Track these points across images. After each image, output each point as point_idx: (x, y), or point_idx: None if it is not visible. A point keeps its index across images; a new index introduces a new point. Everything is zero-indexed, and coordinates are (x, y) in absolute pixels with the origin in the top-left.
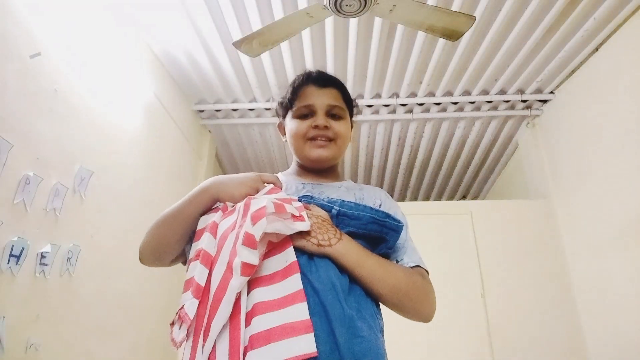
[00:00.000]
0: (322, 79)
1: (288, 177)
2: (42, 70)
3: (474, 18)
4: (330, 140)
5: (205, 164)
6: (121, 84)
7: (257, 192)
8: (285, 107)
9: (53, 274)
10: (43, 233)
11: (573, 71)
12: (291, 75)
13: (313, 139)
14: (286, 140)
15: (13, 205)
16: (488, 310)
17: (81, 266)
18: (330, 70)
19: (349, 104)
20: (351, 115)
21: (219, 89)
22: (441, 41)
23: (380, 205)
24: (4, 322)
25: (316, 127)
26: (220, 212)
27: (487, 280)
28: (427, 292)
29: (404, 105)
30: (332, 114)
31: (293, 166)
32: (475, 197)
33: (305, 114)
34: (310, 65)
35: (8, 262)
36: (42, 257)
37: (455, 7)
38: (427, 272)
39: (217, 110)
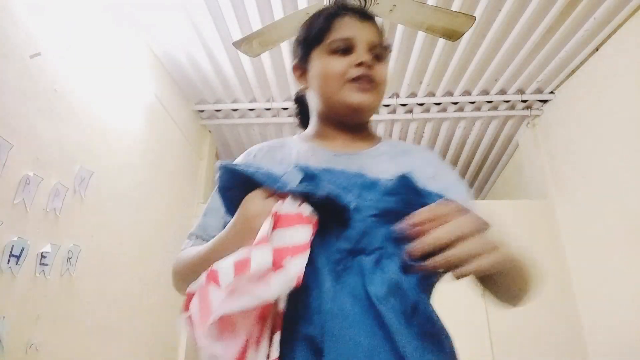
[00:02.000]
0: (362, 11)
1: (311, 143)
2: (42, 70)
3: (474, 18)
4: (375, 83)
5: (205, 164)
6: (121, 84)
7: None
8: (312, 41)
9: (53, 274)
10: (43, 233)
11: (573, 71)
12: (291, 75)
13: (355, 80)
14: (306, 87)
15: (13, 205)
16: (488, 310)
17: (81, 266)
18: None
19: (387, 44)
20: None
21: (219, 89)
22: (441, 41)
23: (434, 177)
24: (4, 322)
25: (360, 64)
26: None
27: None
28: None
29: (404, 105)
30: (375, 54)
31: (315, 126)
32: (475, 197)
33: (343, 49)
34: None
35: (8, 262)
36: (42, 257)
37: (455, 7)
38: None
39: (218, 111)
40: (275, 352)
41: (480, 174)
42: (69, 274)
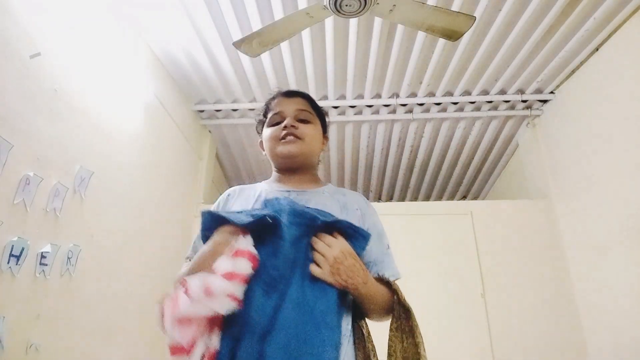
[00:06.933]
0: (289, 91)
1: (270, 184)
2: (42, 70)
3: (474, 18)
4: (299, 138)
5: (205, 164)
6: (121, 84)
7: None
8: (261, 122)
9: (53, 274)
10: (43, 233)
11: (573, 71)
12: (291, 75)
13: (283, 137)
14: (266, 155)
15: (13, 205)
16: (488, 310)
17: (81, 266)
18: (330, 70)
19: (319, 113)
20: (323, 125)
21: (219, 89)
22: (441, 41)
23: (361, 215)
24: (4, 322)
25: (285, 127)
26: None
27: (487, 280)
28: (388, 311)
29: (404, 105)
30: (300, 119)
31: (273, 174)
32: (475, 197)
33: (278, 122)
34: (310, 65)
35: (8, 262)
36: (42, 257)
37: (455, 7)
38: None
39: (217, 111)
40: (216, 343)
41: (481, 174)
42: (69, 274)
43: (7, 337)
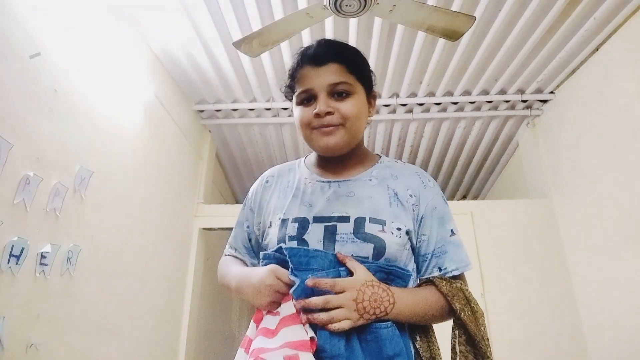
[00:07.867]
0: (318, 56)
1: (311, 169)
2: (42, 70)
3: (474, 18)
4: (338, 125)
5: (205, 164)
6: (121, 84)
7: (277, 296)
8: (289, 91)
9: (53, 274)
10: (43, 233)
11: (573, 71)
12: None
13: (318, 127)
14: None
15: (13, 205)
16: (488, 310)
17: (81, 266)
18: None
19: (361, 72)
20: (368, 84)
21: (219, 89)
22: (441, 41)
23: (413, 203)
24: (4, 322)
25: (317, 115)
26: (254, 324)
27: (487, 280)
28: (447, 314)
29: (404, 105)
30: (336, 92)
31: (314, 154)
32: (475, 197)
33: (308, 99)
34: None
35: (8, 262)
36: (42, 257)
37: (455, 7)
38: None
39: (218, 110)
40: None
41: (480, 174)
42: (69, 274)
43: (7, 337)
